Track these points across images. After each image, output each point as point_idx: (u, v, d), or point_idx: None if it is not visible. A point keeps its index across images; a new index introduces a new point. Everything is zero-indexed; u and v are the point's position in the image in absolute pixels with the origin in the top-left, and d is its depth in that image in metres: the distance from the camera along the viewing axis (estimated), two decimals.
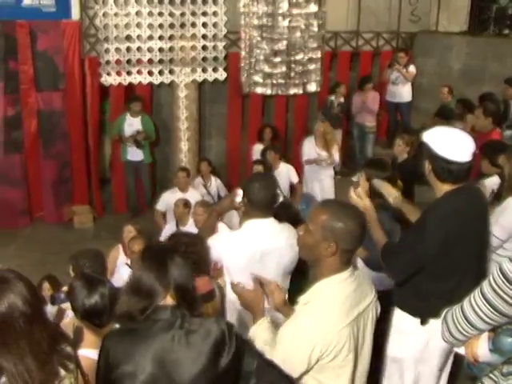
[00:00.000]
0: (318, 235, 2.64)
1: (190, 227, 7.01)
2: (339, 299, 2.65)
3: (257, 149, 9.15)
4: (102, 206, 10.05)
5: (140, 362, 2.32)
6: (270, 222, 3.84)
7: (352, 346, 2.66)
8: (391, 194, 3.95)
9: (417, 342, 3.63)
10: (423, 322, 3.57)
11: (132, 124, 9.45)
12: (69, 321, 3.59)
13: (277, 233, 3.82)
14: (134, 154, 9.56)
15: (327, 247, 2.62)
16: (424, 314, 3.56)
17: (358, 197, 3.65)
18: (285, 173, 8.34)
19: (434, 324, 3.41)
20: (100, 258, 5.13)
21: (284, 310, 2.95)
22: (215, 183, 9.08)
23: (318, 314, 2.61)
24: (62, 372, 2.35)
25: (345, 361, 2.65)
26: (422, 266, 3.45)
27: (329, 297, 2.65)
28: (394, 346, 3.72)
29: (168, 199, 8.20)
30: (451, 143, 3.41)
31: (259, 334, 2.83)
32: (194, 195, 8.20)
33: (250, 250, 3.77)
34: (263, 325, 2.86)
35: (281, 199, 4.57)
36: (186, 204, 7.50)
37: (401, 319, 3.67)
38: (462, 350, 2.91)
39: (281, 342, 2.64)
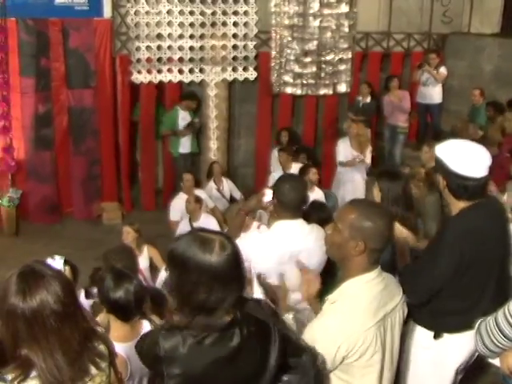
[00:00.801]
0: (347, 234, 2.61)
1: (203, 222, 7.24)
2: (366, 299, 2.63)
3: (274, 154, 9.19)
4: (130, 203, 10.09)
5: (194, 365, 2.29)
6: (299, 224, 3.83)
7: (378, 346, 2.63)
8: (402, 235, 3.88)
9: (430, 356, 3.57)
10: (436, 337, 3.51)
11: (185, 118, 9.63)
12: (104, 315, 3.61)
13: (306, 234, 3.80)
14: (185, 146, 9.66)
15: (355, 246, 2.60)
16: (438, 328, 3.50)
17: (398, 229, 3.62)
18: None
19: (449, 339, 3.38)
20: (132, 256, 5.17)
21: (314, 305, 2.96)
22: (227, 185, 9.10)
23: (344, 313, 2.60)
24: (93, 370, 2.35)
25: (370, 361, 2.63)
26: (440, 287, 3.39)
27: (356, 296, 2.64)
28: (410, 357, 3.65)
29: (179, 206, 8.19)
30: (466, 158, 3.28)
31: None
32: (200, 195, 8.23)
33: (278, 251, 3.76)
34: (287, 321, 2.86)
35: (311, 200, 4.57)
36: (198, 200, 7.62)
37: (416, 331, 3.61)
38: (496, 362, 2.86)
39: (306, 339, 2.62)
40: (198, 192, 8.38)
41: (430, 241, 3.56)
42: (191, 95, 9.67)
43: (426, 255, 3.49)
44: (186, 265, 2.23)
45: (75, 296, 2.37)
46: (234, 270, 2.26)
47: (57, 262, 3.18)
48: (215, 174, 8.99)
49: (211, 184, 8.91)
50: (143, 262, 6.71)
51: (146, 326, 3.51)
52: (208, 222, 7.40)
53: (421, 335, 3.58)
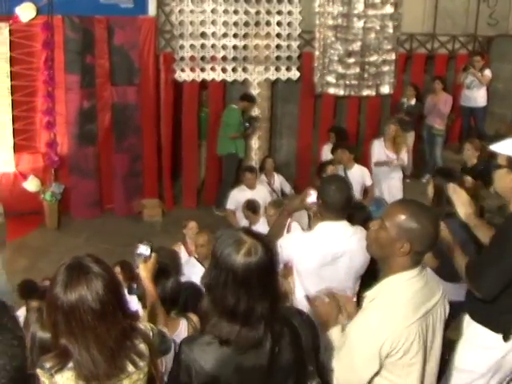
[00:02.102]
0: (394, 233, 2.57)
1: (261, 226, 7.07)
2: (407, 295, 2.59)
3: (327, 149, 9.10)
4: (172, 200, 10.14)
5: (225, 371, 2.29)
6: (343, 225, 3.79)
7: (421, 343, 2.59)
8: (465, 206, 3.68)
9: (494, 357, 3.47)
10: (506, 338, 3.41)
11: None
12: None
13: (349, 236, 3.76)
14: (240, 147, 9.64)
15: (401, 247, 2.56)
16: (507, 329, 3.40)
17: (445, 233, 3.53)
18: (358, 174, 8.23)
19: None
20: (175, 258, 5.18)
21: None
22: (278, 180, 9.11)
23: (385, 309, 2.56)
24: (131, 367, 2.35)
25: (414, 358, 2.59)
26: (509, 282, 3.29)
27: (396, 293, 2.59)
28: (466, 359, 3.55)
29: (237, 197, 8.24)
30: None
31: (332, 338, 2.80)
32: (262, 191, 8.25)
33: (321, 252, 3.73)
34: (335, 333, 2.82)
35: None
36: (249, 205, 7.60)
37: (477, 333, 3.50)
38: None
39: (349, 338, 2.60)
40: (261, 189, 8.36)
41: (492, 235, 3.48)
42: (252, 98, 9.59)
43: (492, 249, 3.38)
44: (217, 262, 2.25)
45: (118, 295, 2.35)
46: (259, 278, 2.22)
47: (142, 249, 3.20)
48: (267, 168, 9.03)
49: (263, 178, 8.90)
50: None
51: (183, 324, 3.51)
52: (265, 227, 7.24)
53: (481, 334, 3.49)
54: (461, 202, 3.66)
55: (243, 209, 7.72)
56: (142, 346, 2.40)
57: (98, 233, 9.32)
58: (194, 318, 3.62)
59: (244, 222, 7.78)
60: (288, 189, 9.15)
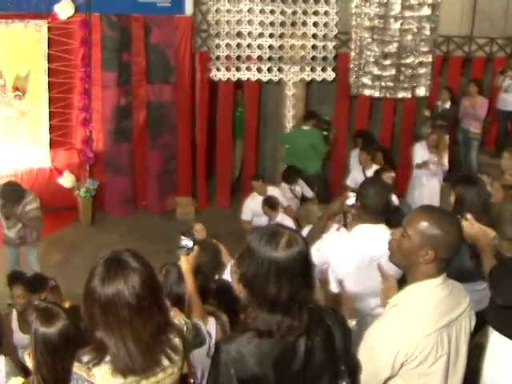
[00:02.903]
0: (417, 241, 2.52)
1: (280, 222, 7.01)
2: (430, 304, 2.54)
3: (354, 155, 9.12)
4: (205, 198, 10.17)
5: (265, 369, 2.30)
6: (381, 228, 3.77)
7: (440, 354, 2.53)
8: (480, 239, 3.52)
9: None
10: None
11: None
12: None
13: (387, 239, 3.74)
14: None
15: (425, 255, 2.51)
16: None
17: (470, 224, 3.47)
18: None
19: None
20: (216, 254, 5.17)
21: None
22: (299, 184, 9.03)
23: (406, 316, 2.52)
24: (166, 362, 2.36)
25: (431, 368, 2.53)
26: None
27: (419, 300, 2.55)
28: (490, 370, 3.50)
29: (251, 206, 8.21)
30: None
31: None
32: (274, 194, 8.21)
33: (359, 254, 3.71)
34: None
35: None
36: (268, 202, 7.67)
37: (499, 343, 3.38)
38: None
39: (366, 341, 2.57)
40: (272, 190, 8.38)
41: None
42: (313, 113, 9.54)
43: None
44: (255, 257, 2.26)
45: (154, 291, 2.36)
46: (301, 267, 2.26)
47: (185, 241, 3.20)
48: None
49: (284, 184, 8.88)
50: None
51: (211, 322, 3.49)
52: (284, 222, 7.28)
53: (502, 344, 3.37)
54: (475, 236, 3.53)
55: (262, 206, 7.70)
56: (177, 341, 2.42)
57: (131, 229, 9.38)
58: (224, 317, 3.63)
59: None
60: (309, 193, 9.09)
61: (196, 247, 3.23)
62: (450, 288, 2.62)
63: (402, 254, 2.62)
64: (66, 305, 5.99)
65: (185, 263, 3.16)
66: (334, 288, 3.97)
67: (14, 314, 5.36)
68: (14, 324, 5.28)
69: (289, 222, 7.57)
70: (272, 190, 8.38)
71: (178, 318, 2.58)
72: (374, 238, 3.72)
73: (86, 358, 2.26)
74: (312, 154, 9.30)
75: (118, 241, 8.95)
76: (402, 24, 9.52)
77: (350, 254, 3.75)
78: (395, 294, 2.84)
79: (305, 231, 5.70)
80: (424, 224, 2.52)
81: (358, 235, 3.80)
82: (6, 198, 7.15)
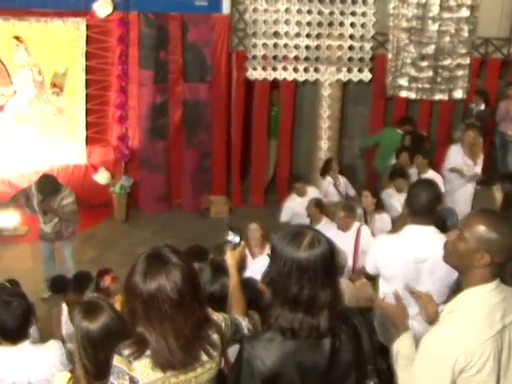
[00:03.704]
0: (473, 244, 2.49)
1: (323, 227, 6.92)
2: (484, 310, 2.50)
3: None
4: (240, 197, 10.18)
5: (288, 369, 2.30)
6: (430, 230, 3.75)
7: (496, 360, 2.49)
8: None
9: None
10: None
11: None
12: None
13: (435, 241, 3.68)
14: None
15: (480, 258, 2.47)
16: None
17: None
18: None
19: None
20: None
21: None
22: (343, 181, 8.98)
23: (462, 323, 2.48)
24: (204, 357, 2.38)
25: (489, 376, 2.48)
26: None
27: (473, 306, 2.51)
28: None
29: (290, 208, 8.18)
30: None
31: (401, 349, 2.73)
32: (314, 194, 8.19)
33: (404, 255, 3.68)
34: (405, 341, 2.75)
35: None
36: (319, 204, 7.49)
37: None
38: None
39: (423, 350, 2.53)
40: (312, 191, 8.34)
41: None
42: (409, 119, 9.62)
43: None
44: (277, 256, 2.29)
45: (195, 287, 2.38)
46: (323, 267, 2.27)
47: (232, 236, 3.21)
48: (333, 170, 8.91)
49: (328, 179, 8.83)
50: (263, 261, 6.64)
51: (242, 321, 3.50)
52: (328, 227, 6.97)
53: None
54: None
55: (308, 207, 7.64)
56: (215, 337, 2.44)
57: (165, 227, 9.40)
58: (256, 315, 3.62)
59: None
60: (352, 192, 9.05)
61: (242, 243, 3.24)
62: (503, 294, 2.58)
63: (457, 256, 2.59)
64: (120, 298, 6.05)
65: (230, 258, 3.16)
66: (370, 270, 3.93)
67: (65, 306, 5.39)
68: (65, 317, 5.32)
69: (332, 230, 7.04)
70: (311, 191, 8.35)
71: (216, 314, 2.59)
72: (420, 240, 3.71)
73: (126, 352, 2.29)
74: (384, 152, 9.34)
75: (151, 238, 8.99)
76: (439, 25, 9.40)
77: (395, 255, 3.73)
78: (434, 308, 2.84)
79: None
80: (481, 227, 2.49)
81: (405, 236, 3.78)
82: (42, 191, 7.16)
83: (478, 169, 8.50)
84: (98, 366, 2.50)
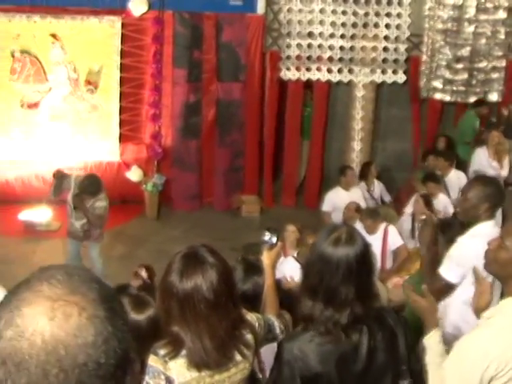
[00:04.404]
0: None
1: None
2: None
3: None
4: (271, 197, 10.17)
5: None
6: (490, 226, 3.71)
7: None
8: None
9: None
10: None
11: None
12: None
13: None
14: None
15: None
16: None
17: None
18: (455, 180, 8.01)
19: None
20: None
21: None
22: (378, 187, 8.89)
23: (499, 330, 2.44)
24: (238, 357, 2.38)
25: None
26: None
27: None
28: None
29: (333, 199, 8.14)
30: None
31: (431, 345, 2.67)
32: (356, 193, 8.17)
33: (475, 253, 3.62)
34: (435, 337, 2.69)
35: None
36: (358, 209, 7.42)
37: None
38: None
39: (457, 351, 2.50)
40: (356, 190, 8.27)
41: None
42: (482, 102, 9.47)
43: None
44: (313, 252, 2.34)
45: (231, 287, 2.39)
46: (356, 266, 2.28)
47: (269, 236, 3.21)
48: (370, 174, 8.81)
49: (362, 185, 8.74)
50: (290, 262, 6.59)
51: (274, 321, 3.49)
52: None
53: None
54: None
55: (348, 209, 7.61)
56: (249, 337, 2.44)
57: (196, 226, 9.39)
58: (287, 315, 3.61)
59: None
60: (387, 198, 8.95)
61: (279, 243, 3.24)
62: None
63: (498, 265, 2.56)
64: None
65: (267, 258, 3.15)
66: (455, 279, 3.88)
67: None
68: None
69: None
70: (355, 190, 8.31)
71: (250, 314, 2.59)
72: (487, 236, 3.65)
73: (162, 352, 2.29)
74: (459, 139, 9.33)
75: (182, 236, 8.99)
76: (476, 27, 9.39)
77: (470, 254, 3.66)
78: (487, 299, 2.78)
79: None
80: None
81: (472, 234, 3.72)
82: (83, 189, 7.17)
83: (505, 171, 8.38)
84: (142, 361, 2.49)
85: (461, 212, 3.87)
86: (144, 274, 6.17)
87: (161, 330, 2.49)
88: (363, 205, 8.17)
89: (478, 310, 2.77)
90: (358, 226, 7.23)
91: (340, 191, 8.14)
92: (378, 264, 6.42)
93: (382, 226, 6.70)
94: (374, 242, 6.35)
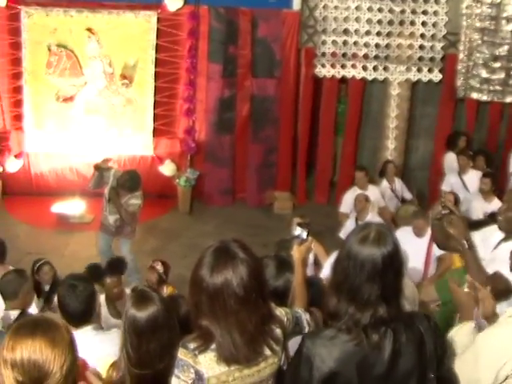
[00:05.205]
0: None
1: (401, 233, 6.63)
2: None
3: (448, 158, 8.96)
4: (304, 194, 10.14)
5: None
6: None
7: None
8: None
9: None
10: None
11: None
12: None
13: None
14: None
15: None
16: None
17: None
18: (475, 180, 8.04)
19: None
20: None
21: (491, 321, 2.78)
22: (398, 184, 8.93)
23: None
24: (268, 352, 2.38)
25: None
26: None
27: None
28: None
29: (351, 199, 8.15)
30: None
31: (459, 336, 2.69)
32: (373, 192, 8.18)
33: None
34: (465, 328, 2.71)
35: None
36: (367, 199, 7.61)
37: None
38: None
39: (474, 345, 2.51)
40: (372, 189, 8.33)
41: None
42: None
43: None
44: (343, 250, 2.33)
45: (261, 283, 2.38)
46: (385, 265, 2.26)
47: (300, 231, 3.23)
48: (389, 173, 8.85)
49: (384, 183, 8.79)
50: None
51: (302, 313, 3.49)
52: (404, 231, 6.71)
53: None
54: None
55: (359, 201, 7.69)
56: (278, 331, 2.45)
57: (227, 221, 9.41)
58: (318, 313, 3.60)
59: (353, 219, 7.83)
60: (408, 195, 8.97)
61: (310, 238, 3.25)
62: None
63: None
64: (169, 289, 6.08)
65: (297, 253, 3.18)
66: None
67: (102, 298, 5.26)
68: (104, 310, 5.22)
69: (408, 235, 6.80)
70: (372, 189, 8.33)
71: (279, 309, 2.59)
72: None
73: (192, 345, 2.30)
74: None
75: (214, 231, 9.01)
76: None
77: None
78: (492, 304, 2.76)
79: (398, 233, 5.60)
80: None
81: None
82: (121, 184, 7.20)
83: None
84: (139, 355, 2.49)
85: (503, 221, 3.66)
86: (160, 267, 6.24)
87: (161, 327, 2.50)
88: (381, 204, 8.20)
89: (487, 315, 2.76)
90: (372, 217, 7.29)
91: (357, 191, 8.18)
92: (421, 268, 6.39)
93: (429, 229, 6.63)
94: (422, 245, 6.35)
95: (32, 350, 1.96)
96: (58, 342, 2.00)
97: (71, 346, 2.06)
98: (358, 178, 8.40)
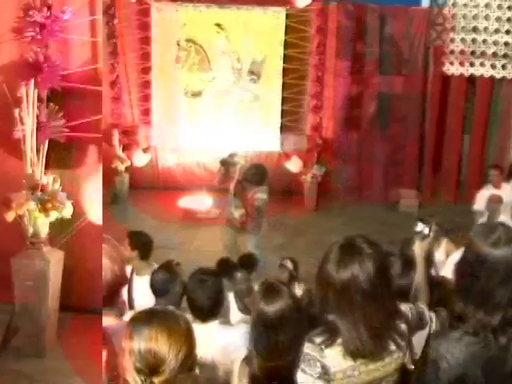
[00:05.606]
0: None
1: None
2: None
3: None
4: (431, 192, 10.11)
5: None
6: None
7: None
8: None
9: None
10: None
11: None
12: None
13: None
14: None
15: None
16: None
17: None
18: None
19: None
20: None
21: None
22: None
23: None
24: (393, 347, 2.36)
25: None
26: None
27: None
28: None
29: (484, 196, 8.08)
30: None
31: None
32: (508, 190, 8.05)
33: None
34: None
35: None
36: (500, 199, 7.43)
37: None
38: None
39: None
40: (507, 189, 8.23)
41: None
42: None
43: None
44: (470, 249, 2.24)
45: (387, 278, 2.37)
46: (504, 265, 2.17)
47: (421, 227, 3.16)
48: (493, 177, 8.73)
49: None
50: (440, 255, 6.54)
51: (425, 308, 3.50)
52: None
53: None
54: None
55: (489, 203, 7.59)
56: (403, 326, 2.43)
57: (353, 218, 9.35)
58: (443, 312, 3.56)
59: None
60: None
61: (432, 234, 3.21)
62: None
63: None
64: (301, 286, 6.06)
65: (419, 248, 3.13)
66: None
67: (231, 294, 5.20)
68: (232, 305, 5.13)
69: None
70: (506, 188, 8.25)
71: (403, 304, 2.58)
72: None
73: (318, 340, 2.30)
74: None
75: (340, 228, 8.93)
76: None
77: None
78: None
79: None
80: None
81: None
82: (247, 177, 7.04)
83: None
84: (269, 348, 2.50)
85: None
86: (290, 265, 6.22)
87: (289, 320, 2.51)
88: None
89: None
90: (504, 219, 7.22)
91: (491, 189, 8.07)
92: None
93: None
94: None
95: (148, 339, 2.01)
96: (173, 331, 2.04)
97: (188, 336, 2.10)
98: (493, 175, 8.32)
